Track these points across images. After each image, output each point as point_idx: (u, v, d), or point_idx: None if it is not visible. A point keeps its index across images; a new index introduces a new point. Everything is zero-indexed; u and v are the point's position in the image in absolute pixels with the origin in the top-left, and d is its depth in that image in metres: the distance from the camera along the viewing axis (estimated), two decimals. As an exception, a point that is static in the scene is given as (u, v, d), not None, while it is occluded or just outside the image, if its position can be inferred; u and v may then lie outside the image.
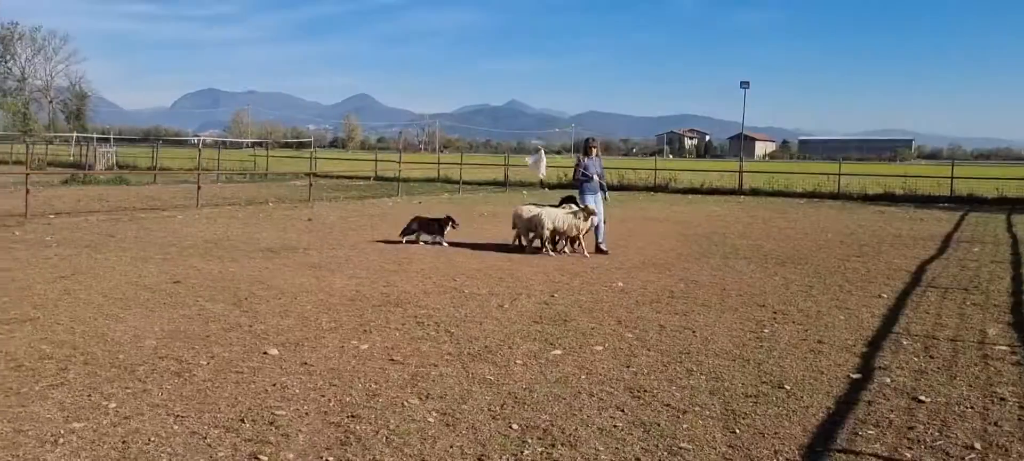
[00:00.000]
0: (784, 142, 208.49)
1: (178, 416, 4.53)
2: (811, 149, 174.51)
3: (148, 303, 7.58)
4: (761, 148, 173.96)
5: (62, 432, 4.22)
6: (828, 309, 8.11)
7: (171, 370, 5.41)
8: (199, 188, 19.95)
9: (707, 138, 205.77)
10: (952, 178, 28.34)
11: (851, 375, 5.70)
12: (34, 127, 73.73)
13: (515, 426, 4.55)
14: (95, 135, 49.47)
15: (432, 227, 12.99)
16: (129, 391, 4.93)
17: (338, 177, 36.55)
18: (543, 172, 13.86)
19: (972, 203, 26.02)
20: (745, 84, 54.38)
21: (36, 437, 4.14)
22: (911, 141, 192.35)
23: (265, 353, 5.92)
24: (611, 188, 31.77)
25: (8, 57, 76.47)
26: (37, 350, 5.76)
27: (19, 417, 4.41)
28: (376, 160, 40.81)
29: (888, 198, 27.46)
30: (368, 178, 36.25)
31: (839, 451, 4.24)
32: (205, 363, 5.60)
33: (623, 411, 4.85)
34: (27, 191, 15.70)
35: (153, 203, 19.65)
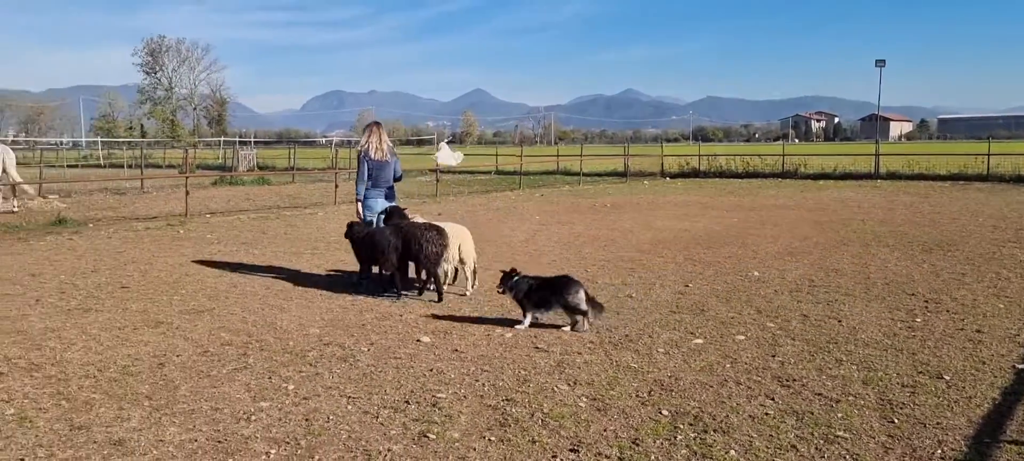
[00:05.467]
0: (922, 121, 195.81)
1: (350, 397, 4.92)
2: (952, 128, 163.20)
3: (307, 294, 8.16)
4: (896, 128, 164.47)
5: (252, 410, 4.68)
6: (985, 298, 7.71)
7: (337, 356, 5.84)
8: (337, 186, 21.02)
9: (836, 120, 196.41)
10: (1121, 155, 25.86)
11: (1016, 366, 5.44)
12: (181, 133, 79.50)
13: (665, 412, 4.65)
14: (237, 138, 52.74)
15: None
16: (303, 374, 5.38)
17: (460, 172, 37.43)
18: (451, 161, 11.01)
19: None
20: (880, 62, 51.70)
21: (230, 414, 4.61)
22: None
23: (418, 340, 6.28)
24: (737, 176, 31.18)
25: (157, 68, 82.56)
26: (218, 338, 6.36)
27: (213, 397, 4.92)
28: (497, 155, 41.47)
29: (1046, 179, 25.38)
30: (489, 172, 36.92)
31: (1011, 442, 4.10)
32: (366, 350, 6.01)
33: (773, 399, 4.86)
34: (186, 193, 17.10)
35: (295, 201, 20.86)
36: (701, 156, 34.71)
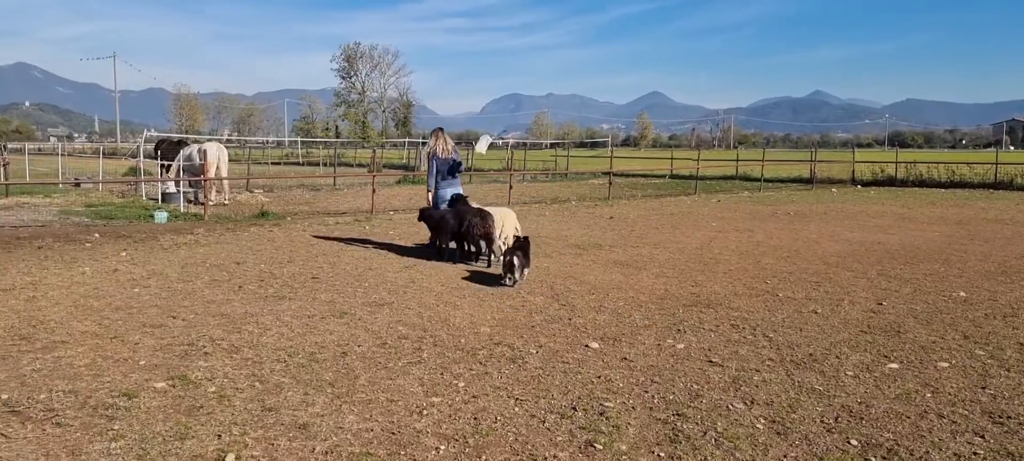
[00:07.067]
0: None
1: (517, 399, 4.92)
2: None
3: (479, 293, 8.32)
4: None
5: (424, 404, 4.80)
6: None
7: (506, 356, 5.89)
8: (511, 188, 21.45)
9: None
10: None
11: None
12: (371, 134, 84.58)
13: (854, 442, 4.27)
14: (420, 139, 55.32)
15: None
16: (473, 373, 5.46)
17: (633, 176, 37.00)
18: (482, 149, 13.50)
19: None
20: (1119, 59, 45.36)
21: (404, 407, 4.76)
22: None
23: (587, 346, 6.20)
24: (939, 185, 28.50)
25: (352, 73, 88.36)
26: (395, 331, 6.62)
27: (389, 389, 5.11)
28: (672, 158, 40.61)
29: None
30: (663, 176, 36.20)
31: None
32: (535, 352, 6.02)
33: (983, 437, 4.32)
34: (373, 191, 18.12)
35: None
36: (898, 163, 32.07)
